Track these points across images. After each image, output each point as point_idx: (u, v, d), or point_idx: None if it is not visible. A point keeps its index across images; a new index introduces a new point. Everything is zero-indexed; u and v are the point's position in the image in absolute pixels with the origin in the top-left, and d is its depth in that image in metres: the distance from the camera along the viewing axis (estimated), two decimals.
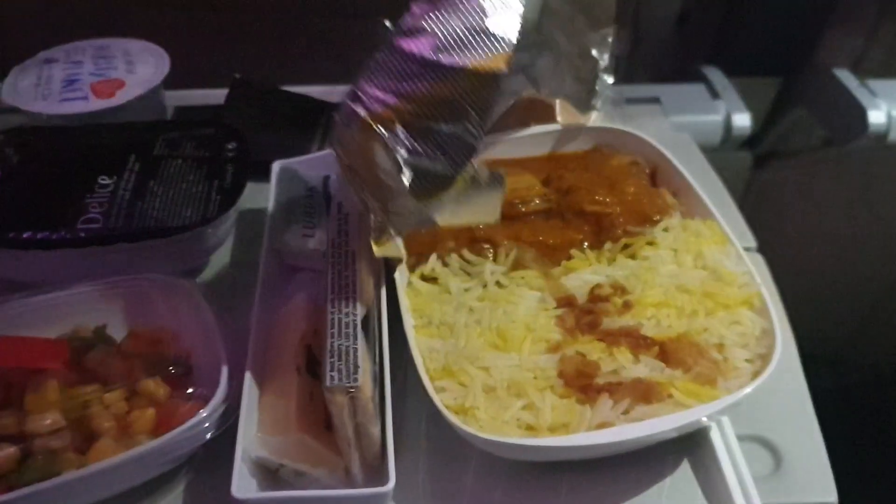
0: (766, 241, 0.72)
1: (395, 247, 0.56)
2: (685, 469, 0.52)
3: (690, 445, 0.52)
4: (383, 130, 0.49)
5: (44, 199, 0.62)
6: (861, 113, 0.90)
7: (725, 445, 0.52)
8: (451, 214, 0.54)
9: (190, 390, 0.52)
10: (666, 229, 0.61)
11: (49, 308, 0.56)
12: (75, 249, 0.58)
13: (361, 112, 0.49)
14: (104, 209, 0.61)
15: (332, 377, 0.47)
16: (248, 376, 0.51)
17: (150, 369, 0.53)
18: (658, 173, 0.68)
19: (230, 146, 0.68)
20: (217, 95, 0.83)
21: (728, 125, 0.92)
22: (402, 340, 0.53)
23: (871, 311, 1.25)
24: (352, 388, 0.46)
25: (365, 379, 0.47)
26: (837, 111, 0.95)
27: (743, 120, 0.92)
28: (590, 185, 0.64)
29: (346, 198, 0.59)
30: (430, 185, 0.51)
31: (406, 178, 0.50)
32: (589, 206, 0.63)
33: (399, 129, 0.49)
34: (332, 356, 0.48)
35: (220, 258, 0.67)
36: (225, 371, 0.51)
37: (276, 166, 0.69)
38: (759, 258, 0.70)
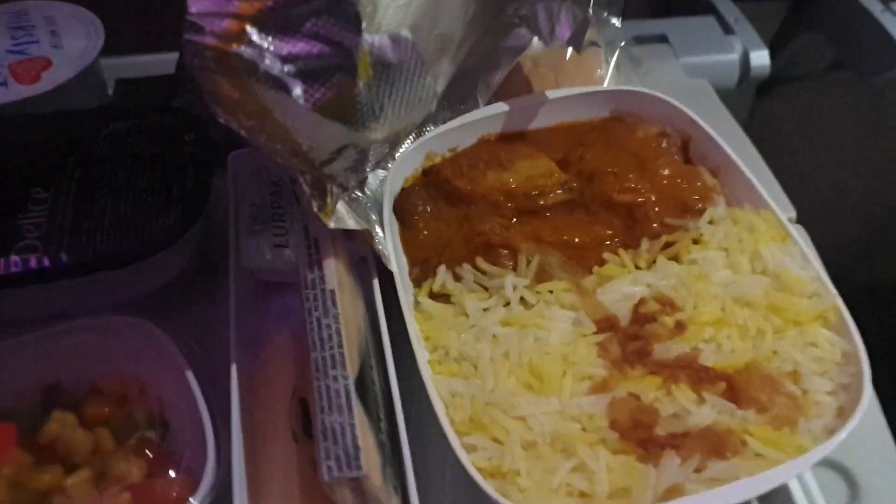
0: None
1: (346, 213, 0.46)
2: None
3: None
4: (241, 48, 0.38)
5: None
6: (892, 44, 0.81)
7: (800, 483, 0.45)
8: (381, 119, 0.44)
9: (172, 473, 0.43)
10: (712, 221, 0.52)
11: None
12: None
13: (208, 40, 0.38)
14: (42, 232, 0.51)
15: (329, 468, 0.37)
16: (235, 455, 0.41)
17: (120, 437, 0.45)
18: (691, 145, 0.58)
19: (188, 137, 0.57)
20: (166, 62, 0.70)
21: (745, 64, 0.82)
22: (409, 369, 0.45)
23: (876, 234, 1.20)
24: (354, 478, 0.38)
25: (370, 459, 0.39)
26: (861, 41, 0.86)
27: (761, 58, 0.82)
28: (616, 166, 0.55)
29: (311, 218, 0.47)
30: (330, 91, 0.40)
31: (297, 93, 0.39)
32: (618, 195, 0.53)
33: (257, 37, 0.38)
34: (325, 438, 0.38)
35: (182, 278, 0.56)
36: (212, 443, 0.42)
37: (231, 158, 0.56)
38: (803, 230, 0.62)
